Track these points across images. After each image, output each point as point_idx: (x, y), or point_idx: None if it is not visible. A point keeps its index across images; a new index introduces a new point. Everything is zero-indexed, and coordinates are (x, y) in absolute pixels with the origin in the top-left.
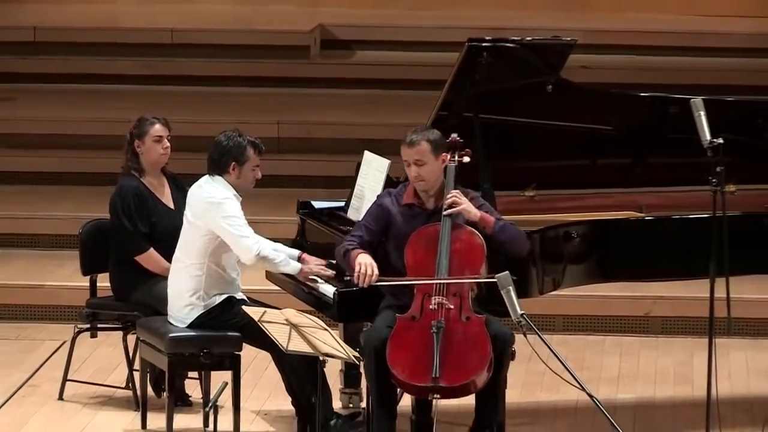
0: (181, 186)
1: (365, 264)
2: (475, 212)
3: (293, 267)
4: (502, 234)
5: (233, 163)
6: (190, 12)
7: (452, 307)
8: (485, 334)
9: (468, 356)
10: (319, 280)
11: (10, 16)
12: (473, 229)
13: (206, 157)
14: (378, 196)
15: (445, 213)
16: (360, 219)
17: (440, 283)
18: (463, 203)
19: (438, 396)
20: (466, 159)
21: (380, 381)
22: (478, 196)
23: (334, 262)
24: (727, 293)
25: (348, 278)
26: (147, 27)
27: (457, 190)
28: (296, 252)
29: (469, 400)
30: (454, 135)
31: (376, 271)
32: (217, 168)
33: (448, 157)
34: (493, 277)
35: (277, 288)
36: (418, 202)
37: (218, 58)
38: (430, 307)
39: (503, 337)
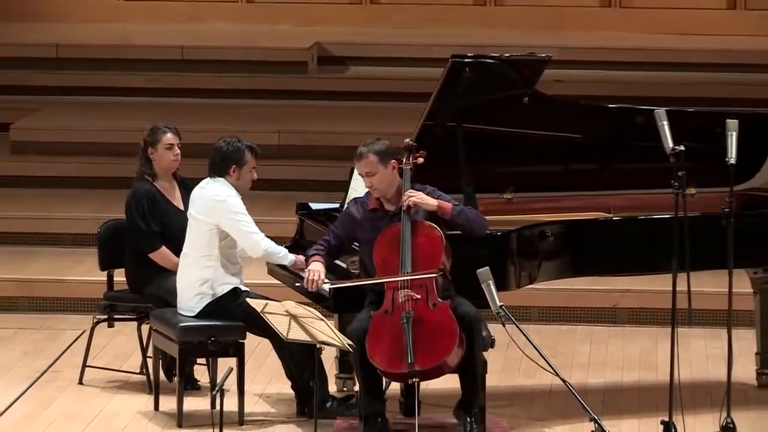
0: (190, 189)
1: (313, 271)
2: (431, 201)
3: (289, 259)
4: (459, 217)
5: (233, 165)
6: (198, 31)
7: (419, 297)
8: (451, 317)
9: (437, 340)
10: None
11: (34, 34)
12: (432, 224)
13: (209, 162)
14: (347, 204)
15: (404, 210)
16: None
17: (406, 273)
18: (418, 197)
19: (417, 379)
20: (420, 160)
21: (365, 369)
22: (434, 189)
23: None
24: (688, 287)
25: (298, 285)
26: (159, 45)
27: (411, 189)
28: (293, 255)
29: (454, 384)
30: (407, 140)
31: (322, 277)
32: (219, 170)
33: (400, 162)
34: (430, 273)
35: (277, 282)
36: (380, 207)
37: (224, 72)
38: (399, 300)
39: (470, 316)
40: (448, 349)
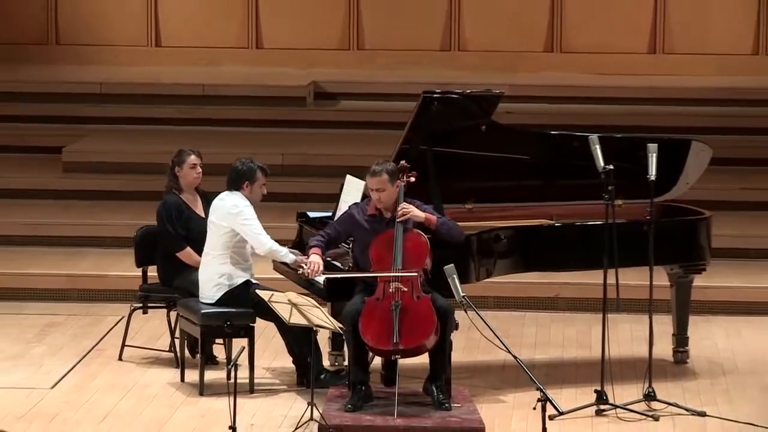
0: (210, 200)
1: (312, 262)
2: (420, 214)
3: (290, 258)
4: (442, 228)
5: (246, 182)
6: (216, 72)
7: (405, 289)
8: (431, 309)
9: (419, 325)
10: (304, 267)
11: (84, 75)
12: (420, 232)
13: (227, 178)
14: (349, 207)
15: (398, 220)
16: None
17: (397, 269)
18: (411, 210)
19: (399, 356)
20: (413, 179)
21: (355, 344)
22: (422, 204)
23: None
24: (617, 280)
25: (299, 272)
26: (184, 83)
27: (405, 203)
28: (292, 255)
29: (424, 361)
30: (403, 162)
31: (321, 268)
32: (234, 185)
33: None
34: (409, 271)
35: (281, 277)
36: (378, 214)
37: (237, 105)
38: (390, 290)
39: (445, 309)
40: (427, 334)
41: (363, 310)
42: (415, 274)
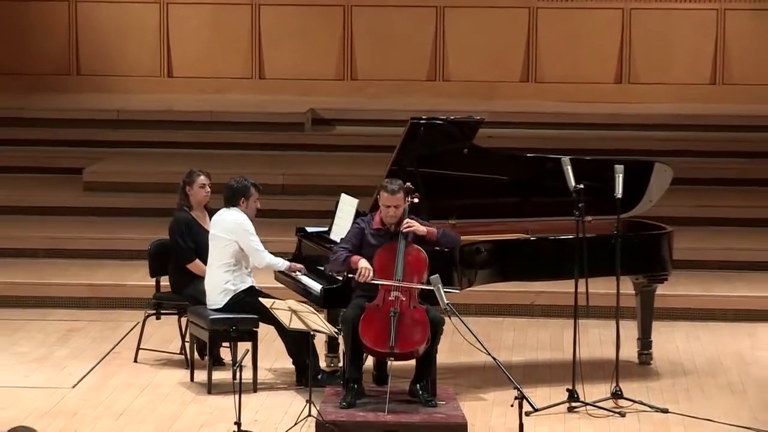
0: None
1: (365, 268)
2: (422, 229)
3: (285, 265)
4: (443, 238)
5: (242, 198)
6: (223, 100)
7: (404, 299)
8: (426, 319)
9: (414, 333)
10: (301, 276)
11: (102, 102)
12: (419, 247)
13: (223, 196)
14: (355, 222)
15: (404, 230)
16: (342, 236)
17: (398, 280)
18: (415, 225)
19: (393, 359)
20: (416, 200)
21: (353, 345)
22: (423, 220)
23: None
24: (587, 289)
25: (351, 276)
26: (193, 110)
27: (409, 219)
28: (286, 261)
29: (413, 362)
30: (408, 183)
31: (372, 274)
32: (231, 202)
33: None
34: (426, 286)
35: (282, 286)
36: (384, 227)
37: (242, 130)
38: (390, 298)
39: (437, 321)
40: (420, 341)
41: (363, 314)
42: (459, 290)
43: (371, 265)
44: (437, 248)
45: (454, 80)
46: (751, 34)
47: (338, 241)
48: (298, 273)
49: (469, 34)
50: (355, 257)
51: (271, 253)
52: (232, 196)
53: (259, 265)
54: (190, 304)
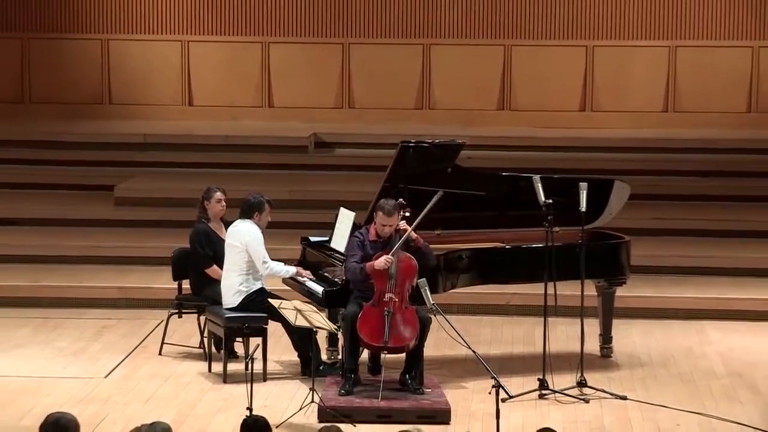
0: None
1: (385, 260)
2: (414, 234)
3: (290, 272)
4: (426, 249)
5: (256, 212)
6: (236, 126)
7: (397, 300)
8: (416, 318)
9: (405, 330)
10: (306, 280)
11: (130, 127)
12: (410, 256)
13: (240, 209)
14: (354, 235)
15: (399, 230)
16: (344, 247)
17: (391, 284)
18: (409, 230)
19: (386, 352)
20: (407, 214)
21: (351, 339)
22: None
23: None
24: (555, 291)
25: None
26: (210, 134)
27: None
28: (294, 268)
29: (403, 355)
30: (401, 200)
31: (393, 260)
32: (247, 214)
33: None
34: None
35: (289, 288)
36: (379, 239)
37: (253, 152)
38: (384, 299)
39: (425, 320)
40: (410, 338)
41: (360, 313)
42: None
43: (369, 274)
44: (418, 260)
45: (439, 108)
46: (697, 68)
47: (337, 248)
48: (305, 278)
49: (452, 68)
50: (369, 264)
51: (278, 260)
52: (248, 209)
53: (262, 274)
54: (208, 304)
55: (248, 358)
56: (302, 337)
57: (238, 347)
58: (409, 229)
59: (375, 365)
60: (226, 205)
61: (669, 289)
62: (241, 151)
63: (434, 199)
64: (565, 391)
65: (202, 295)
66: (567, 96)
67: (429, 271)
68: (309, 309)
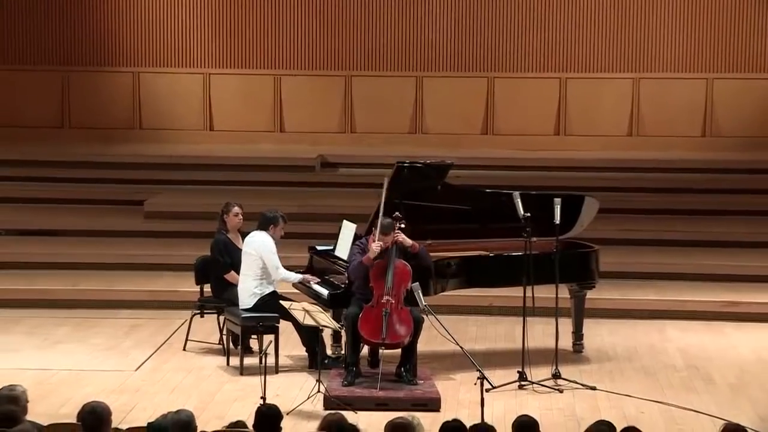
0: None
1: (377, 245)
2: (409, 241)
3: (299, 279)
4: (422, 252)
5: (271, 225)
6: (252, 148)
7: (393, 301)
8: (410, 317)
9: (400, 328)
10: (313, 284)
11: (158, 150)
12: (405, 262)
13: (258, 222)
14: (356, 243)
15: (396, 238)
16: (348, 255)
17: (390, 288)
18: (404, 238)
19: (384, 348)
20: (403, 225)
21: (353, 337)
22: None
23: (318, 280)
24: (532, 294)
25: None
26: (230, 155)
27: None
28: (302, 276)
29: (398, 351)
30: (397, 213)
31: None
32: (263, 227)
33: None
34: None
35: (298, 291)
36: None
37: (267, 171)
38: (382, 300)
39: (418, 319)
40: (405, 335)
41: (361, 313)
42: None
43: (369, 276)
44: (417, 263)
45: (431, 133)
46: (658, 97)
47: (340, 256)
48: (313, 283)
49: (442, 97)
50: (365, 256)
51: (288, 267)
52: (264, 222)
53: (275, 279)
54: (226, 305)
55: (262, 353)
56: (309, 335)
57: (253, 343)
58: (403, 239)
59: (374, 359)
60: (242, 218)
61: (633, 292)
62: (255, 171)
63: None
64: (542, 382)
65: (221, 297)
66: (543, 122)
67: (422, 276)
68: (315, 309)
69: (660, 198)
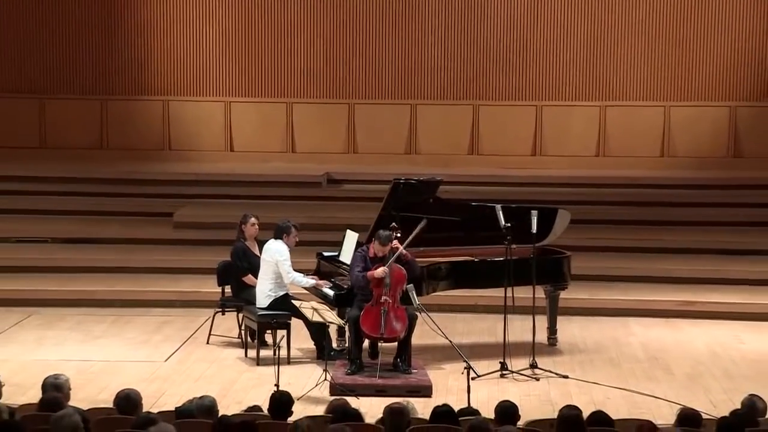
0: (263, 245)
1: (381, 270)
2: (404, 252)
3: (310, 283)
4: (412, 262)
5: (285, 234)
6: (267, 167)
7: (390, 301)
8: (405, 315)
9: (397, 324)
10: (323, 288)
11: (184, 168)
12: (401, 267)
13: (273, 232)
14: (358, 251)
15: (393, 248)
16: (351, 261)
17: (386, 289)
18: (401, 248)
19: (382, 341)
20: (398, 234)
21: (356, 333)
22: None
23: (328, 284)
24: (513, 294)
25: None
26: (248, 173)
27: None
28: (313, 280)
29: (394, 345)
30: (393, 224)
31: (387, 271)
32: (278, 235)
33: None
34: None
35: (307, 293)
36: (376, 255)
37: (279, 187)
38: (381, 300)
39: (412, 317)
40: (401, 330)
41: (363, 311)
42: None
43: (368, 282)
44: (407, 270)
45: (423, 153)
46: (622, 122)
47: (344, 261)
48: (322, 286)
49: (434, 122)
50: (369, 273)
51: (299, 271)
52: (279, 231)
53: (287, 282)
54: (244, 304)
55: (276, 346)
56: (318, 330)
57: (268, 338)
58: (401, 247)
59: (374, 351)
60: (258, 227)
61: (601, 292)
62: (270, 186)
63: (419, 226)
64: (521, 372)
65: (240, 297)
66: (521, 144)
67: (415, 278)
68: (323, 308)
69: (624, 210)
